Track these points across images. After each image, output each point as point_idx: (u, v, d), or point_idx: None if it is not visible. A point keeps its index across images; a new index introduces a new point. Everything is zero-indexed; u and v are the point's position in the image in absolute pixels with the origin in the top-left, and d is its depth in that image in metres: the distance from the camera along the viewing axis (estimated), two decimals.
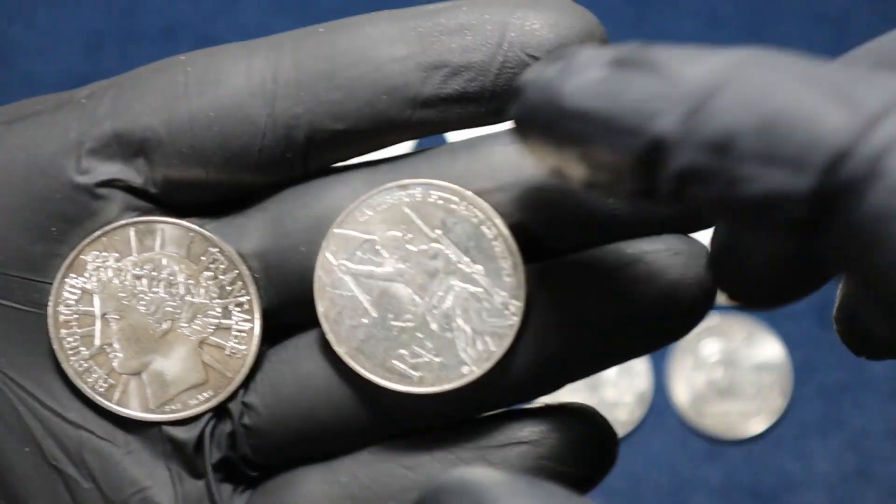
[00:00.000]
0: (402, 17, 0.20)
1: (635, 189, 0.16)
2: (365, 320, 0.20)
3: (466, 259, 0.20)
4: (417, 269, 0.20)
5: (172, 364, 0.21)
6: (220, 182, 0.20)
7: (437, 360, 0.20)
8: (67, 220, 0.20)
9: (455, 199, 0.20)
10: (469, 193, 0.20)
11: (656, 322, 0.20)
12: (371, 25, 0.20)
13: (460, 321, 0.20)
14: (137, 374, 0.21)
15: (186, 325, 0.21)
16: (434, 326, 0.20)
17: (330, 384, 0.21)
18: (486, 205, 0.20)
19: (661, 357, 0.45)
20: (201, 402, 0.21)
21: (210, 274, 0.21)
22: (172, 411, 0.21)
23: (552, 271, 0.20)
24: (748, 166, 0.15)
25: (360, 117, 0.20)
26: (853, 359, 0.46)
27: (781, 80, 0.15)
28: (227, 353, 0.21)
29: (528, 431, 0.21)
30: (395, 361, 0.20)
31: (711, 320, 0.46)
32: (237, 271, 0.20)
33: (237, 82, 0.20)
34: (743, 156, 0.15)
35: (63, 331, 0.21)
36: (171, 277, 0.21)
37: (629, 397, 0.44)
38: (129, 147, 0.20)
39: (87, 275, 0.21)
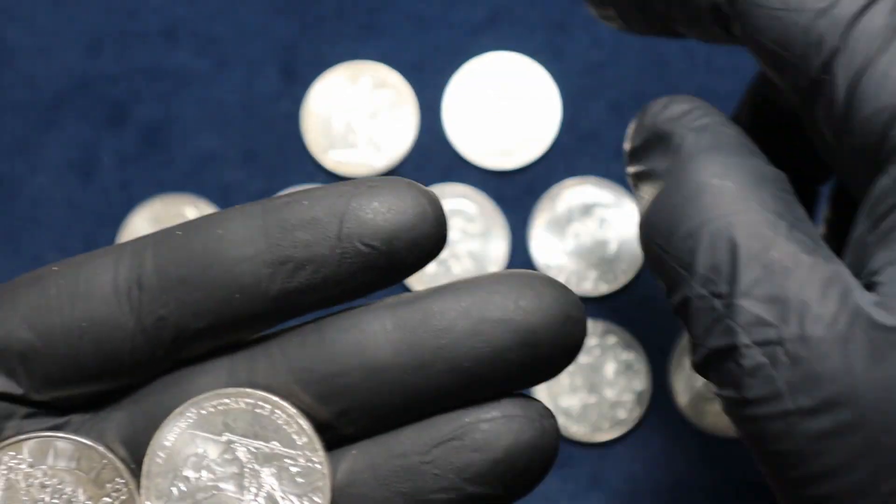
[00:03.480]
0: (251, 216, 0.22)
1: None
2: None
3: (259, 442, 0.22)
4: (225, 474, 0.22)
5: None
6: (96, 385, 0.22)
7: None
8: None
9: (225, 400, 0.22)
10: (232, 390, 0.22)
11: (493, 488, 0.22)
12: (222, 226, 0.22)
13: (280, 496, 0.22)
14: None
15: None
16: None
17: None
18: (252, 391, 0.22)
19: (660, 356, 0.45)
20: None
21: (109, 501, 0.22)
22: None
23: (381, 443, 0.22)
24: None
25: (219, 315, 0.22)
26: None
27: None
28: None
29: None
30: None
31: None
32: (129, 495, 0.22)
33: (105, 292, 0.22)
34: None
35: None
36: (75, 497, 0.22)
37: (628, 396, 0.44)
38: (8, 360, 0.22)
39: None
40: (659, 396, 0.45)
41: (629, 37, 0.48)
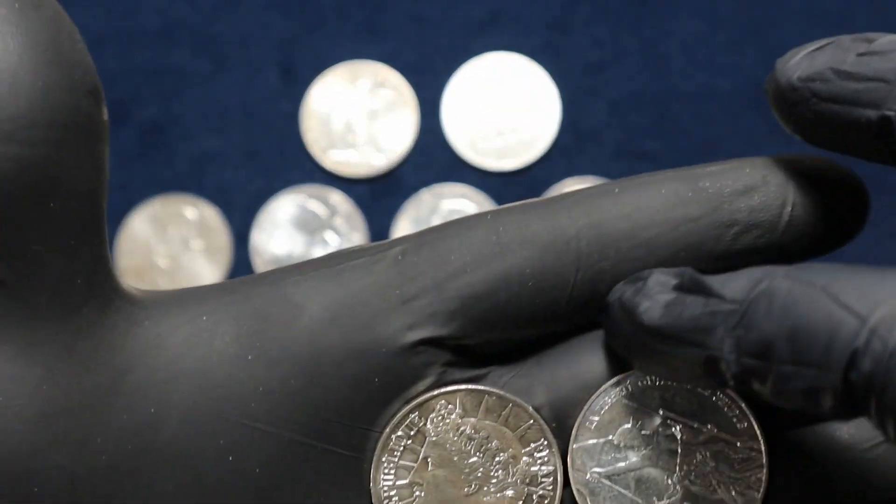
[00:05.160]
0: (689, 178, 0.22)
1: (708, 383, 0.21)
2: None
3: (697, 424, 0.22)
4: (659, 448, 0.22)
5: None
6: (527, 331, 0.22)
7: None
8: (390, 372, 0.22)
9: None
10: None
11: None
12: (664, 185, 0.22)
13: (715, 480, 0.22)
14: None
15: (490, 496, 0.22)
16: (696, 491, 0.22)
17: None
18: None
19: None
20: None
21: (529, 460, 0.22)
22: None
23: (801, 437, 0.22)
24: (786, 367, 0.18)
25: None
26: None
27: (804, 290, 0.18)
28: None
29: None
30: None
31: None
32: (553, 465, 0.22)
33: (546, 241, 0.22)
34: (781, 359, 0.18)
35: (385, 456, 0.22)
36: (499, 452, 0.22)
37: None
38: (448, 304, 0.22)
39: (430, 417, 0.22)
40: None
41: (629, 37, 0.48)
